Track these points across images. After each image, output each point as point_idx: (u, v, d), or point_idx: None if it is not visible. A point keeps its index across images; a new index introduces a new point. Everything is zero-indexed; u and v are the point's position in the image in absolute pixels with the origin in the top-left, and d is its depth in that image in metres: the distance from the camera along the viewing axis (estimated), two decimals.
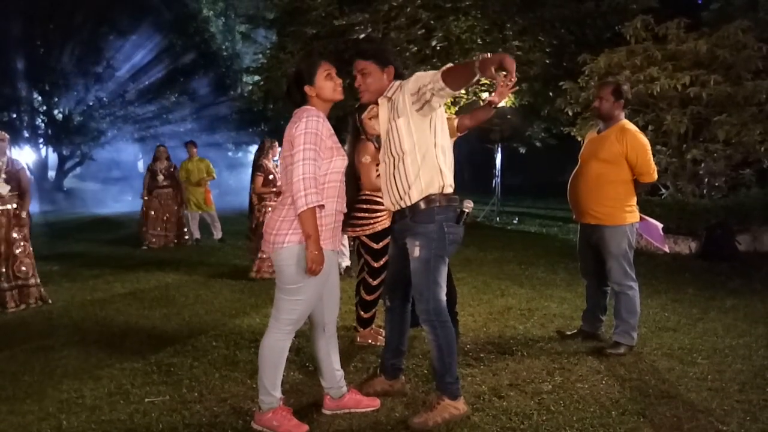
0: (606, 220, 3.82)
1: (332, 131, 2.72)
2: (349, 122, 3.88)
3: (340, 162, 2.73)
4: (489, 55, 2.47)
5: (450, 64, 2.65)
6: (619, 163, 3.78)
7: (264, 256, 6.46)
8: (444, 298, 2.86)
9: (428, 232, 2.79)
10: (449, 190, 2.85)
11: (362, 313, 4.10)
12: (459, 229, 2.88)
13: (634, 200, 3.88)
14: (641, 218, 3.95)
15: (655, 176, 3.88)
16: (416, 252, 2.81)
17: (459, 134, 3.92)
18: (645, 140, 3.81)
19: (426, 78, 2.64)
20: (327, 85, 2.73)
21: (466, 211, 2.87)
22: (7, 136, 5.19)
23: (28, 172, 5.40)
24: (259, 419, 2.77)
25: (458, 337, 4.07)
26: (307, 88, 2.72)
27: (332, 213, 2.72)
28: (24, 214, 5.24)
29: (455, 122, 3.88)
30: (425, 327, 2.87)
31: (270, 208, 6.53)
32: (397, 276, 3.06)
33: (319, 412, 2.98)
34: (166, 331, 4.45)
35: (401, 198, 2.83)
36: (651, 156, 3.82)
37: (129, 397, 3.19)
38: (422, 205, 2.79)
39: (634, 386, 3.26)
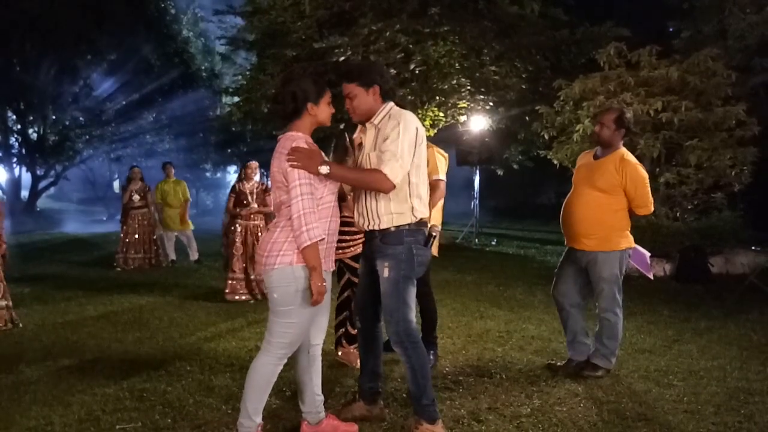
0: (600, 245, 3.74)
1: (321, 153, 2.70)
2: (337, 143, 3.87)
3: (333, 183, 2.74)
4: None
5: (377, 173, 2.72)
6: (617, 193, 3.73)
7: (236, 277, 6.41)
8: (413, 319, 2.87)
9: (397, 253, 2.82)
10: (420, 216, 2.87)
11: (350, 329, 4.11)
12: (427, 251, 2.93)
13: (629, 227, 3.82)
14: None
15: (652, 208, 3.80)
16: (385, 273, 2.84)
17: None
18: (644, 172, 3.75)
19: (385, 156, 2.71)
20: (327, 110, 2.75)
21: (434, 234, 2.93)
22: None
23: (0, 193, 5.34)
24: None
25: (437, 360, 4.06)
26: (309, 106, 2.68)
27: (325, 233, 2.69)
28: None
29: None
30: (397, 349, 2.87)
31: (238, 227, 6.51)
32: (366, 294, 3.07)
33: None
34: (139, 355, 4.35)
35: (371, 221, 2.87)
36: (649, 189, 3.75)
37: (100, 424, 3.10)
38: (392, 229, 2.83)
39: (612, 409, 3.27)
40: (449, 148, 13.78)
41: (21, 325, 5.22)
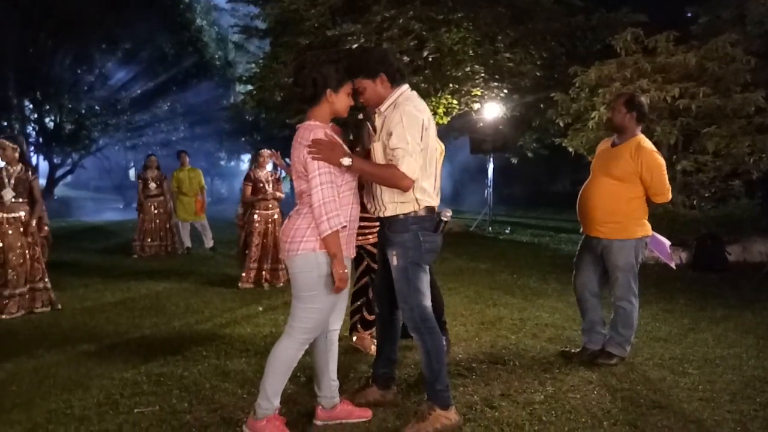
0: (616, 234, 3.71)
1: (342, 144, 2.70)
2: (360, 132, 3.86)
3: (352, 174, 2.73)
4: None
5: (395, 171, 2.67)
6: (633, 181, 3.68)
7: (251, 266, 6.45)
8: (428, 304, 2.88)
9: (403, 241, 2.82)
10: (426, 204, 2.84)
11: (366, 314, 4.13)
12: (436, 237, 2.89)
13: (646, 215, 3.78)
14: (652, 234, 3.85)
15: (669, 196, 3.75)
16: (394, 261, 2.85)
17: None
18: (661, 160, 3.69)
19: (397, 153, 2.66)
20: (345, 100, 2.73)
21: (445, 219, 2.88)
22: (17, 147, 5.26)
23: (40, 182, 5.53)
24: (252, 425, 2.75)
25: (450, 346, 4.07)
26: (329, 92, 2.66)
27: (346, 221, 2.70)
28: (34, 222, 5.35)
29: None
30: (413, 335, 2.89)
31: (256, 215, 6.53)
32: (384, 280, 3.08)
33: (311, 422, 2.96)
34: (156, 341, 4.41)
35: (378, 209, 2.89)
36: (666, 176, 3.70)
37: (118, 408, 3.15)
38: (400, 216, 2.83)
39: (626, 396, 3.27)
40: (463, 136, 13.80)
41: (60, 306, 5.38)
